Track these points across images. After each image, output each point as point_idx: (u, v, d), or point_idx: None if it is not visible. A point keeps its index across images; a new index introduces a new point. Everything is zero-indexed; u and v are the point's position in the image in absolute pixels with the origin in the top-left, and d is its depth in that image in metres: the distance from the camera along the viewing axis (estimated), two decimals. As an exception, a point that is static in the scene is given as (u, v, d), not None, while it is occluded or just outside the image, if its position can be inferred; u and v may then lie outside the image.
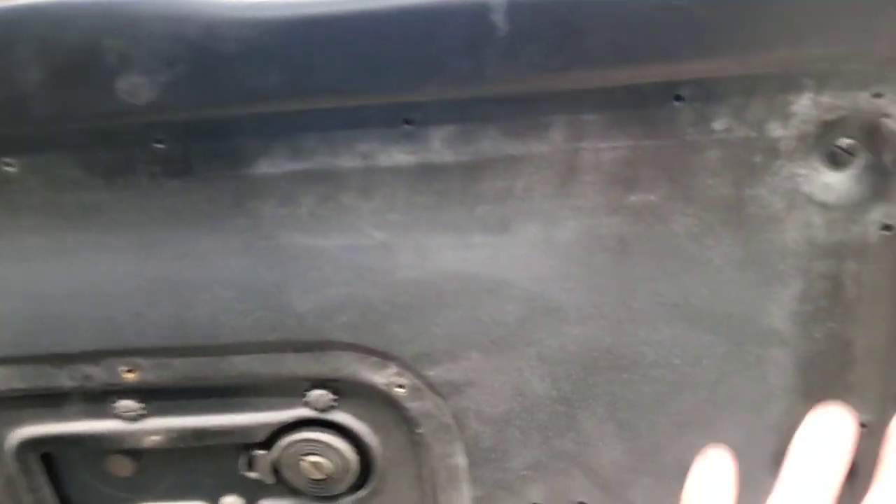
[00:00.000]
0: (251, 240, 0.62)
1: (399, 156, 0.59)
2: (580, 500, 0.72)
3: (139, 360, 0.67)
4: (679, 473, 0.70)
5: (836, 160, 0.58)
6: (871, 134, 0.57)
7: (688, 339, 0.65)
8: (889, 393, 0.66)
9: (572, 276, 0.63)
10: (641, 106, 0.57)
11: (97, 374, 0.67)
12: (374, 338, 0.65)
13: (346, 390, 0.69)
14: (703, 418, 0.68)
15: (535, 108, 0.57)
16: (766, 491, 0.68)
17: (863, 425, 0.67)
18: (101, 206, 0.61)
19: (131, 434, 0.71)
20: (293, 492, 0.75)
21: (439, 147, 0.58)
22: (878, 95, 0.55)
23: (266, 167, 0.59)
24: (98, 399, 0.70)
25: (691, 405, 0.67)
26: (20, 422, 0.71)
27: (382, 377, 0.67)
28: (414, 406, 0.68)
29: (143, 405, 0.70)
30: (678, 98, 0.56)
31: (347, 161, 0.59)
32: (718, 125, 0.57)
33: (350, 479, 0.73)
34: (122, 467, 0.75)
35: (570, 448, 0.70)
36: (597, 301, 0.64)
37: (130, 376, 0.68)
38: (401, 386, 0.67)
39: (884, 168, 0.58)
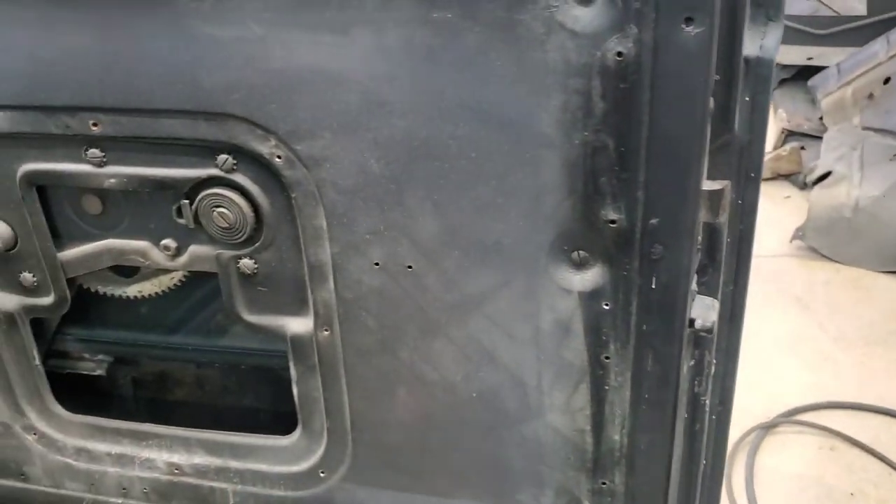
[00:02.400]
0: (172, 25, 0.86)
1: (271, -34, 0.82)
2: (408, 264, 0.94)
3: (101, 116, 0.93)
4: (481, 250, 0.91)
5: (581, -4, 0.77)
6: (603, -24, 0.75)
7: (481, 137, 0.85)
8: (582, 191, 0.84)
9: (397, 77, 0.84)
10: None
11: (73, 124, 0.94)
12: (258, 113, 0.89)
13: (244, 157, 0.93)
14: (496, 205, 0.88)
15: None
16: (547, 271, 0.88)
17: (612, 222, 0.86)
18: (72, -10, 0.87)
19: (97, 176, 0.98)
20: (211, 239, 1.00)
21: (298, -39, 0.81)
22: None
23: (180, -31, 0.83)
24: (75, 146, 0.97)
25: (486, 193, 0.88)
26: (25, 159, 0.99)
27: (266, 147, 0.91)
28: (289, 174, 0.92)
29: (104, 154, 0.97)
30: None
31: (235, -31, 0.83)
32: (492, -41, 0.77)
33: (248, 231, 0.97)
34: (93, 205, 1.03)
35: (399, 220, 0.92)
36: (415, 99, 0.85)
37: (96, 129, 0.94)
38: (279, 157, 0.91)
39: (618, 5, 0.76)
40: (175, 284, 1.11)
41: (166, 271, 1.11)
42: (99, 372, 1.24)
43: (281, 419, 1.18)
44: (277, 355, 1.18)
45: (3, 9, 0.90)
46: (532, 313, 0.93)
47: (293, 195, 0.93)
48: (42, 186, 1.02)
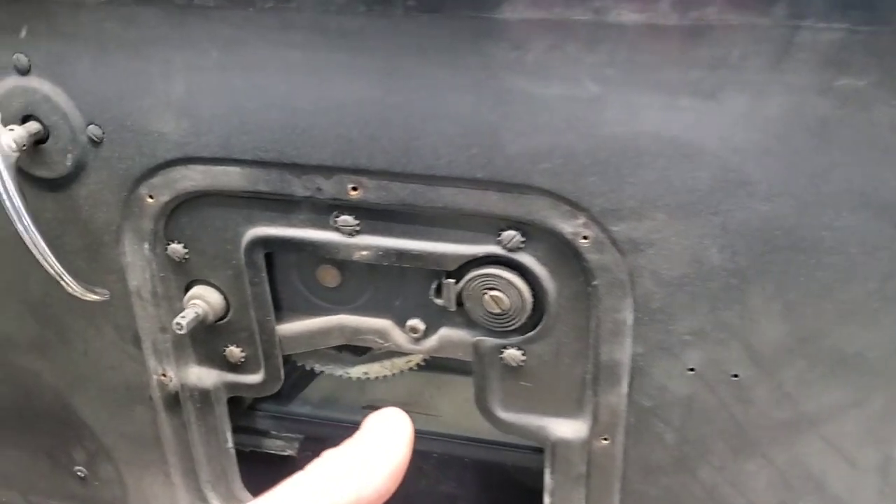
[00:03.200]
0: (480, 79, 0.70)
1: (628, 14, 0.65)
2: (734, 372, 0.77)
3: (364, 180, 0.77)
4: (835, 362, 0.74)
5: None
6: None
7: (868, 229, 0.68)
8: None
9: (770, 153, 0.67)
10: (867, -10, 0.60)
11: (327, 187, 0.78)
12: (570, 187, 0.72)
13: (535, 235, 0.77)
14: (869, 310, 0.71)
15: (765, -18, 0.62)
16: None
17: None
18: (359, 32, 0.70)
19: (345, 247, 0.82)
20: (469, 323, 0.84)
21: (667, 9, 0.64)
22: None
23: (506, 12, 0.67)
24: (322, 211, 0.81)
25: (859, 295, 0.71)
26: (256, 221, 0.83)
27: (570, 226, 0.74)
28: (594, 258, 0.75)
29: (358, 222, 0.80)
30: (903, -14, 0.59)
31: (580, 14, 0.66)
32: (941, 17, 0.60)
33: (523, 318, 0.81)
34: (330, 277, 0.87)
35: (734, 321, 0.75)
36: (789, 180, 0.68)
37: (354, 193, 0.78)
38: (585, 237, 0.74)
39: None
40: (410, 368, 0.95)
41: (402, 353, 0.94)
42: (289, 452, 1.08)
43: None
44: (501, 447, 1.02)
45: (260, 48, 0.74)
46: (884, 439, 0.76)
47: (594, 282, 0.76)
48: (270, 253, 0.86)
